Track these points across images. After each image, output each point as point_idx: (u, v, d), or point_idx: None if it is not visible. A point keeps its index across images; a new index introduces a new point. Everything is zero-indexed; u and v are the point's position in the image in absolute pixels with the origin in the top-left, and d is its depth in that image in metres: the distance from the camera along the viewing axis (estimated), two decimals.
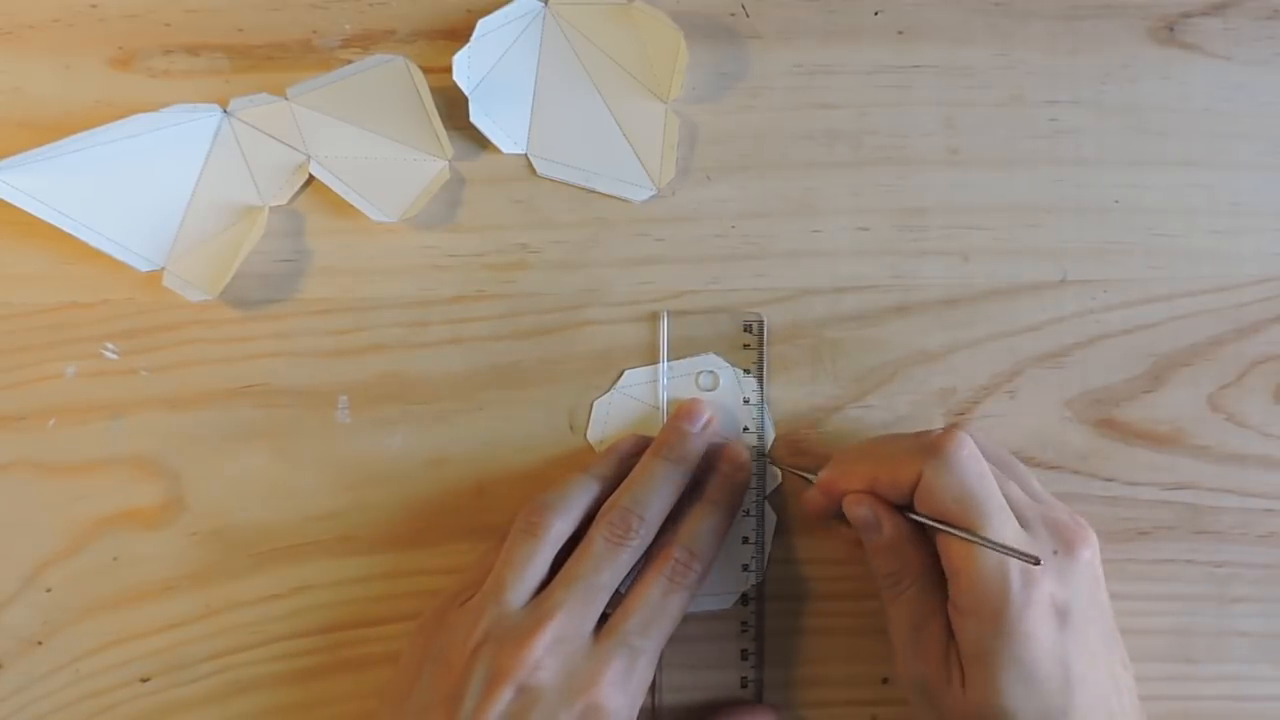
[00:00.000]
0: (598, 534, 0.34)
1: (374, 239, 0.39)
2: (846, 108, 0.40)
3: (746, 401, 0.39)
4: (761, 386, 0.39)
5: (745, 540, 0.38)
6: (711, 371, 0.39)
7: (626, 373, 0.39)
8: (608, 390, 0.39)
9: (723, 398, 0.39)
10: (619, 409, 0.39)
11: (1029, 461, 0.39)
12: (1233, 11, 0.40)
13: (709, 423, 0.37)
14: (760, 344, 0.39)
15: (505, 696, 0.31)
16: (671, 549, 0.35)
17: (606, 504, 0.35)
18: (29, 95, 0.39)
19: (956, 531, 0.32)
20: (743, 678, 0.39)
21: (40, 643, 0.38)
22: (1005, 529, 0.32)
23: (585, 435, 0.39)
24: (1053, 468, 0.39)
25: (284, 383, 0.39)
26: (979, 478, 0.32)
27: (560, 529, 0.34)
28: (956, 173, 0.40)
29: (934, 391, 0.39)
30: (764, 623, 0.39)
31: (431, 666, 0.33)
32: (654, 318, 0.39)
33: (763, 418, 0.39)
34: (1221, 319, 0.39)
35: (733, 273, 0.39)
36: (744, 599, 0.39)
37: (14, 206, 0.36)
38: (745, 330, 0.39)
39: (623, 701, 0.32)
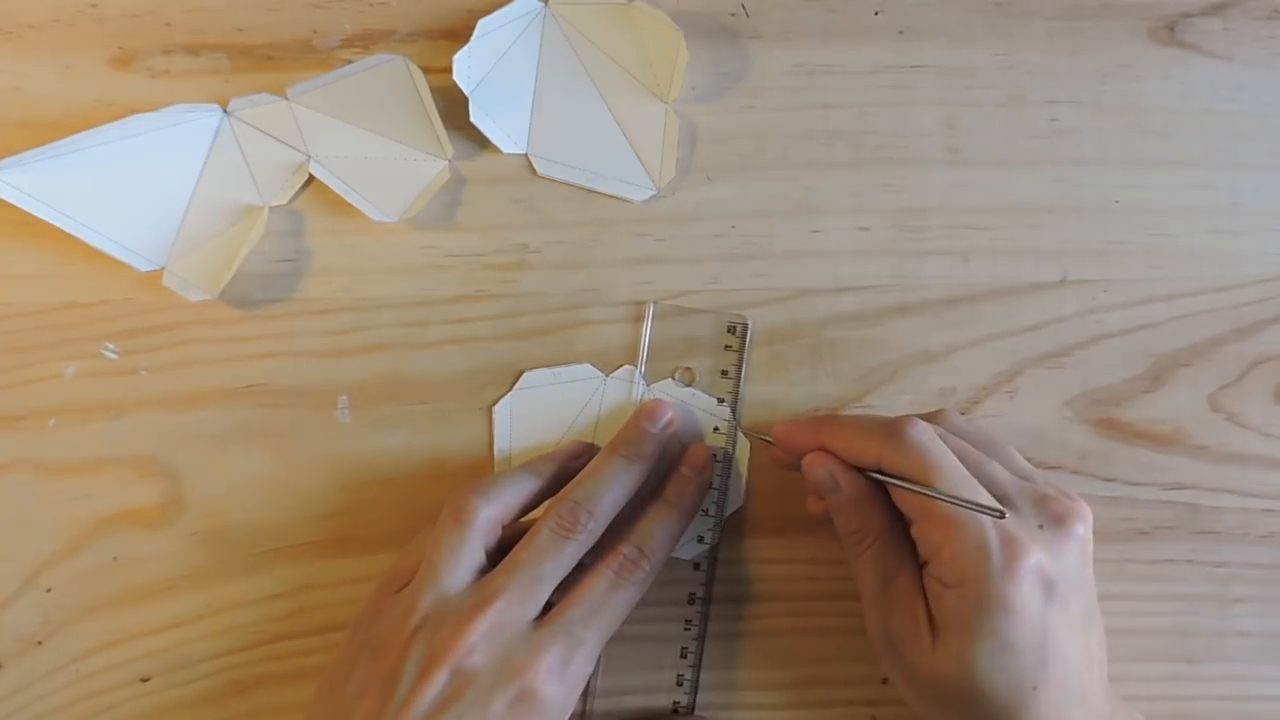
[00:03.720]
0: (545, 525, 0.34)
1: (374, 239, 0.39)
2: (846, 108, 0.40)
3: (721, 401, 0.39)
4: (738, 388, 0.39)
5: (705, 512, 0.38)
6: (689, 368, 0.39)
7: (526, 374, 0.39)
8: (507, 391, 0.39)
9: (696, 397, 0.39)
10: (521, 409, 0.38)
11: (1029, 461, 0.39)
12: (1233, 11, 0.40)
13: (670, 423, 0.37)
14: (742, 347, 0.39)
15: (440, 679, 0.31)
16: (622, 546, 0.35)
17: (557, 496, 0.35)
18: (29, 95, 0.39)
19: (916, 487, 0.32)
20: (679, 675, 0.38)
21: (40, 643, 0.38)
22: (962, 490, 0.32)
23: (491, 445, 0.38)
24: (1053, 468, 0.39)
25: (284, 383, 0.39)
26: (934, 452, 0.32)
27: (487, 515, 0.34)
28: (956, 173, 0.40)
29: (934, 391, 0.39)
30: (708, 623, 0.39)
31: (368, 653, 0.33)
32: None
33: (734, 419, 0.39)
34: (1221, 319, 0.39)
35: (733, 273, 0.39)
36: (695, 567, 0.39)
37: (14, 206, 0.36)
38: (729, 332, 0.39)
39: (558, 690, 0.32)
